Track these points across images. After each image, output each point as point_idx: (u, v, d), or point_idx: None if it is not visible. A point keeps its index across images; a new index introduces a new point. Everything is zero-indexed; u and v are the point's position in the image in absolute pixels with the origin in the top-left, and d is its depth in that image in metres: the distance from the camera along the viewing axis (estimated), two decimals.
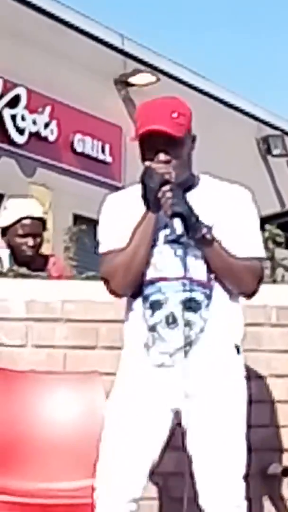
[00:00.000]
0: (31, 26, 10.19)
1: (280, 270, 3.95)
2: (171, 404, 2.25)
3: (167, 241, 2.30)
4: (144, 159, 2.29)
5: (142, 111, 2.52)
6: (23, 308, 3.22)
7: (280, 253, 4.11)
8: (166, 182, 2.15)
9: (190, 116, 2.35)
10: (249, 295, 2.43)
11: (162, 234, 2.28)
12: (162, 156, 2.20)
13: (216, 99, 12.32)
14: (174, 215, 2.16)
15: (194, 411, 2.21)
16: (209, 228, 2.18)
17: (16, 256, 4.35)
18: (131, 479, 2.22)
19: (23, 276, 3.84)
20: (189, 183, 2.33)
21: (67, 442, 2.86)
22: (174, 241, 2.29)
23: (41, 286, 3.56)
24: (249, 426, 2.68)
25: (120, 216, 2.38)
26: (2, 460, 2.83)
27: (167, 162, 2.24)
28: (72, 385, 3.09)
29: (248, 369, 2.87)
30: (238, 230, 2.33)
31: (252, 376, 2.96)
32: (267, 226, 4.10)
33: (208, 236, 2.19)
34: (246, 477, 2.20)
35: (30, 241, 4.31)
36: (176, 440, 2.32)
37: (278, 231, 3.93)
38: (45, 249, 4.69)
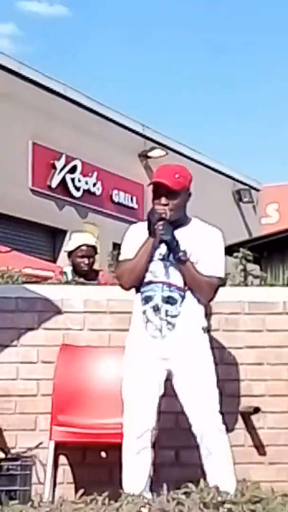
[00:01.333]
0: (85, 120, 10.25)
1: (250, 278, 3.86)
2: (163, 364, 2.27)
3: (159, 259, 2.32)
4: (153, 201, 2.35)
5: (157, 170, 2.59)
6: (82, 305, 3.21)
7: (249, 266, 4.03)
8: (162, 219, 2.20)
9: (189, 179, 2.39)
10: (207, 301, 2.46)
11: (157, 252, 2.30)
12: (163, 199, 2.23)
13: (205, 165, 12.18)
14: (161, 241, 2.23)
15: (178, 368, 2.27)
16: (185, 253, 2.23)
17: (77, 271, 4.44)
18: (144, 417, 2.24)
19: (82, 284, 4.03)
20: (180, 222, 2.33)
21: (111, 392, 2.77)
22: (163, 258, 2.31)
23: (93, 290, 3.58)
24: (229, 380, 2.88)
25: (134, 238, 2.40)
26: (70, 406, 2.77)
27: (165, 204, 2.25)
28: (115, 355, 2.95)
29: (230, 342, 3.02)
30: (207, 256, 2.34)
31: (232, 347, 3.05)
32: (241, 249, 4.05)
33: (182, 257, 2.23)
34: (222, 413, 2.26)
35: (86, 261, 4.40)
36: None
37: (248, 252, 3.86)
38: (96, 266, 4.73)
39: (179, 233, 2.30)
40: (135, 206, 10.70)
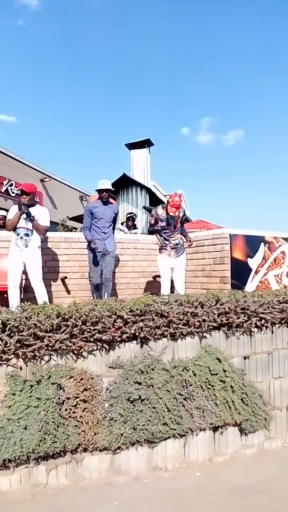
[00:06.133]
0: (18, 166, 14.34)
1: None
2: (22, 260, 4.34)
3: (24, 218, 4.33)
4: (20, 196, 4.43)
5: (23, 185, 4.52)
6: None
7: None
8: (23, 203, 4.36)
9: (35, 189, 4.50)
10: (43, 235, 4.52)
11: (22, 216, 4.34)
12: (23, 196, 4.40)
13: (69, 186, 18.46)
14: (23, 213, 4.33)
15: (28, 262, 4.35)
16: (33, 217, 4.35)
17: None
18: (15, 278, 4.33)
19: None
20: (32, 205, 4.42)
21: (3, 272, 4.48)
22: (25, 218, 4.34)
23: None
24: (51, 265, 5.10)
25: (13, 211, 4.48)
26: None
27: (24, 199, 4.37)
28: (5, 258, 4.62)
29: (46, 251, 5.02)
30: (42, 218, 4.45)
31: (49, 253, 5.19)
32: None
33: (31, 218, 4.37)
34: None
35: (1, 222, 6.32)
36: None
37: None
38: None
39: (31, 209, 4.43)
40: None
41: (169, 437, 3.10)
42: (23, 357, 2.91)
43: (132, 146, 14.86)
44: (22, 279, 4.58)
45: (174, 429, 3.09)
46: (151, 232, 5.10)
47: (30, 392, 2.77)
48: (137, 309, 3.24)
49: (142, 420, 3.02)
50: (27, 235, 4.38)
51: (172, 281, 4.95)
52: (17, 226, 4.39)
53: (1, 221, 6.58)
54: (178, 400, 3.16)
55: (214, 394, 3.30)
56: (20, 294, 4.54)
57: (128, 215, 8.13)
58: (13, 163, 14.54)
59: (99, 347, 3.18)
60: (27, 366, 2.94)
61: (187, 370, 3.33)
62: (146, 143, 14.67)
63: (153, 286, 5.84)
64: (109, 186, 4.92)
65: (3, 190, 13.88)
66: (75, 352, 3.10)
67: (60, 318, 2.99)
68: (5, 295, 4.85)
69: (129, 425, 2.98)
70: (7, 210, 8.07)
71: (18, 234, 4.39)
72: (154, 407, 3.09)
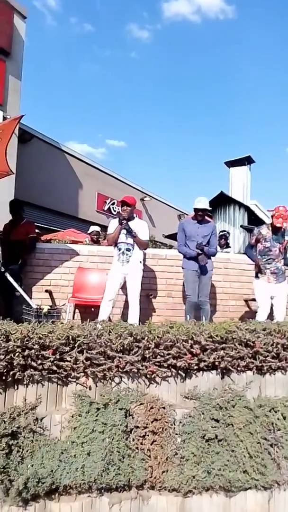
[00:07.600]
0: (121, 186, 15.81)
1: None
2: (123, 274, 4.30)
3: (124, 233, 4.27)
4: (121, 208, 4.32)
5: (124, 197, 4.43)
6: (87, 252, 5.23)
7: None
8: (124, 218, 4.25)
9: (135, 202, 4.41)
10: (144, 249, 4.47)
11: (122, 231, 4.27)
12: (124, 208, 4.28)
13: (168, 205, 18.68)
14: (123, 228, 4.28)
15: (129, 277, 4.29)
16: (134, 233, 4.26)
17: (92, 240, 6.64)
18: (111, 293, 4.29)
19: (91, 244, 6.26)
20: (131, 219, 4.33)
21: (97, 286, 4.68)
22: (126, 233, 4.28)
23: (94, 247, 5.62)
24: (147, 283, 4.75)
25: (113, 225, 4.42)
26: (79, 290, 4.80)
27: (124, 210, 4.26)
28: (99, 272, 4.96)
29: (148, 270, 4.93)
30: (142, 232, 4.34)
31: (149, 270, 5.08)
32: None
33: (134, 234, 4.30)
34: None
35: (95, 238, 6.63)
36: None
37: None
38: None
39: (130, 223, 4.32)
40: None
41: (250, 488, 2.67)
42: (92, 376, 2.76)
43: (231, 163, 14.38)
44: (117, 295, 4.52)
45: (257, 480, 2.66)
46: (248, 254, 4.68)
47: (96, 416, 2.58)
48: (217, 335, 2.89)
49: (218, 464, 2.64)
50: (128, 249, 4.30)
51: (271, 310, 4.39)
52: (118, 241, 4.36)
53: (95, 236, 6.64)
54: (262, 446, 2.72)
55: None
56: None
57: (221, 233, 7.65)
58: (116, 183, 15.24)
59: (174, 374, 2.90)
60: (96, 386, 2.79)
61: (276, 412, 2.87)
62: (246, 160, 14.05)
63: (245, 310, 5.34)
64: (206, 206, 4.63)
65: (105, 208, 14.55)
66: (147, 376, 2.86)
67: (132, 338, 2.77)
68: (92, 309, 4.83)
69: (202, 467, 2.62)
70: (100, 226, 8.38)
71: (119, 249, 4.35)
72: (232, 450, 2.69)
